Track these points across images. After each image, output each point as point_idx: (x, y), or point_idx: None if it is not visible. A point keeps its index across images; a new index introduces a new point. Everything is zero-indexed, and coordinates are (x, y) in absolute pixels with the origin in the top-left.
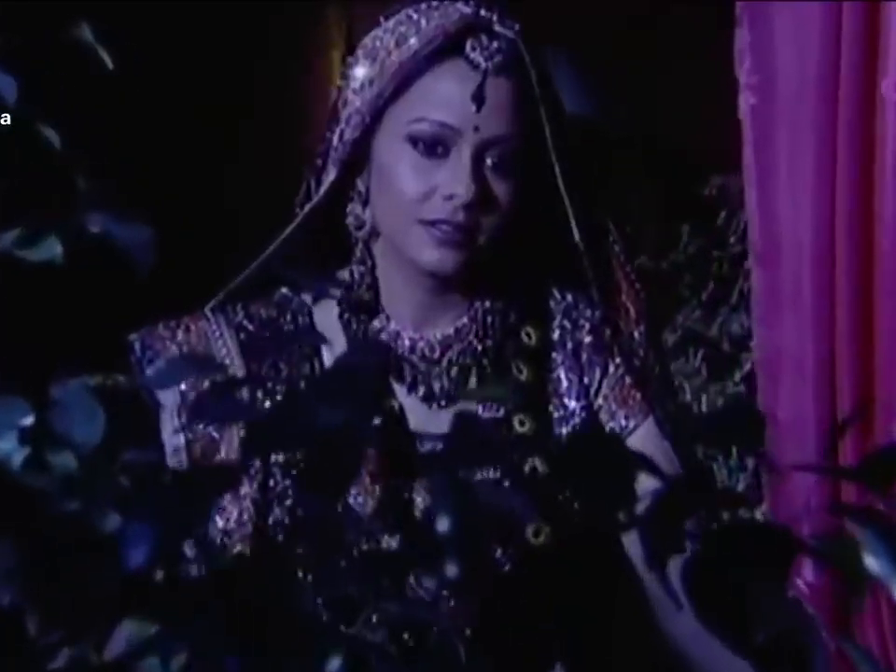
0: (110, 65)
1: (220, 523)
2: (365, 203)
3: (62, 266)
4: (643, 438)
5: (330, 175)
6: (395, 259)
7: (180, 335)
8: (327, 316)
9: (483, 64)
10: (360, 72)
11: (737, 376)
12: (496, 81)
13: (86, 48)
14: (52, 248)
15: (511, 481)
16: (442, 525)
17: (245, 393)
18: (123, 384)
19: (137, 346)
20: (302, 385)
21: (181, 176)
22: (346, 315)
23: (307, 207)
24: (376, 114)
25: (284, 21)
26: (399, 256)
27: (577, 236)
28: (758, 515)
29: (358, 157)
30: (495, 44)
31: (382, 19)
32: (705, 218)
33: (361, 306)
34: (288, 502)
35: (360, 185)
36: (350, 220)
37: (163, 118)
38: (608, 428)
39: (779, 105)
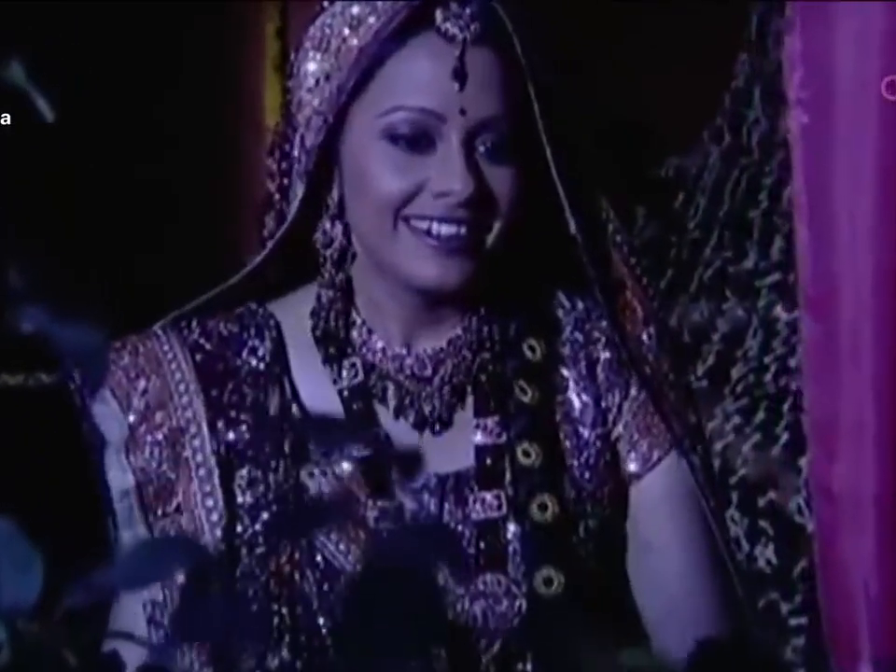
0: (50, 116)
1: (180, 578)
2: (334, 218)
3: None
4: (666, 474)
5: (299, 191)
6: (379, 280)
7: (126, 358)
8: (298, 330)
9: (460, 35)
10: (312, 67)
11: (699, 370)
12: (477, 53)
13: (17, 93)
14: None
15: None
16: None
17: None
18: (48, 383)
19: (77, 372)
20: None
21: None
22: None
23: (280, 231)
24: (340, 112)
25: None
26: (384, 276)
27: (572, 227)
28: None
29: (324, 164)
30: (468, 10)
31: (326, 3)
32: (661, 201)
33: (332, 338)
34: (260, 550)
35: (328, 196)
36: (318, 237)
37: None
38: (628, 461)
39: (837, 125)
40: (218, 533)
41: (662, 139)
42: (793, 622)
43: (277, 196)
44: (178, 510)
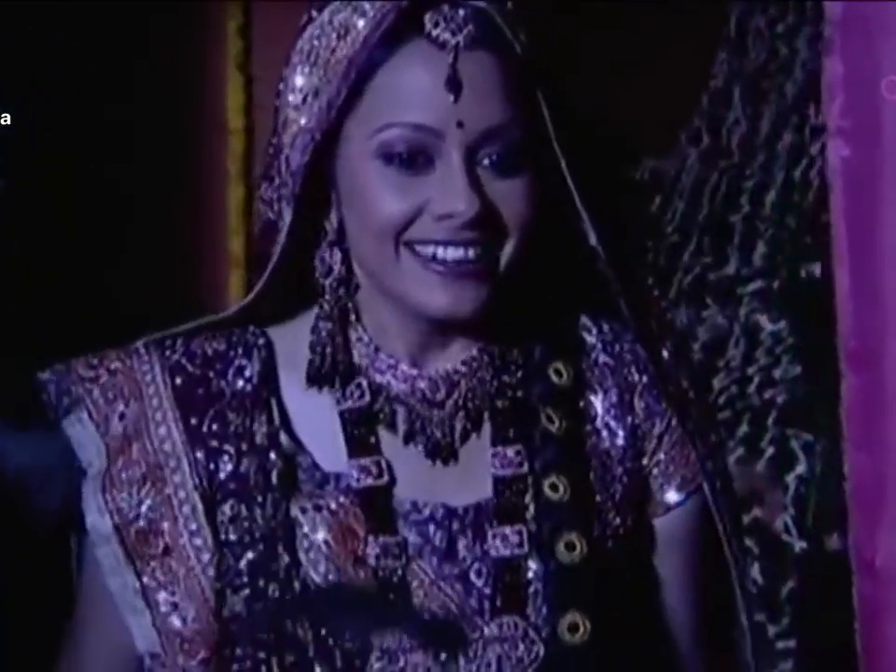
0: None
1: (177, 623)
2: (333, 244)
3: None
4: (686, 516)
5: (287, 217)
6: (387, 306)
7: (104, 377)
8: (295, 348)
9: (452, 40)
10: (300, 81)
11: None
12: (471, 58)
13: None
14: None
15: None
16: None
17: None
18: None
19: (52, 389)
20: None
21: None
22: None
23: (272, 261)
24: (330, 129)
25: None
26: (391, 303)
27: (593, 239)
28: None
29: (320, 187)
30: (461, 13)
31: (314, 12)
32: (637, 204)
33: (328, 376)
34: (245, 592)
35: (325, 222)
36: (317, 265)
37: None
38: (657, 495)
39: (881, 158)
40: (211, 573)
41: (637, 140)
42: (781, 645)
43: (271, 220)
44: (167, 551)
